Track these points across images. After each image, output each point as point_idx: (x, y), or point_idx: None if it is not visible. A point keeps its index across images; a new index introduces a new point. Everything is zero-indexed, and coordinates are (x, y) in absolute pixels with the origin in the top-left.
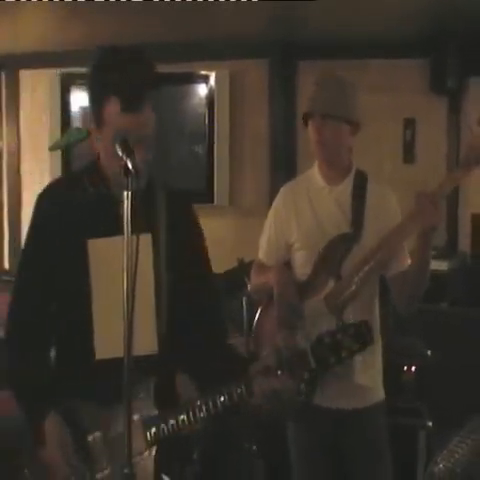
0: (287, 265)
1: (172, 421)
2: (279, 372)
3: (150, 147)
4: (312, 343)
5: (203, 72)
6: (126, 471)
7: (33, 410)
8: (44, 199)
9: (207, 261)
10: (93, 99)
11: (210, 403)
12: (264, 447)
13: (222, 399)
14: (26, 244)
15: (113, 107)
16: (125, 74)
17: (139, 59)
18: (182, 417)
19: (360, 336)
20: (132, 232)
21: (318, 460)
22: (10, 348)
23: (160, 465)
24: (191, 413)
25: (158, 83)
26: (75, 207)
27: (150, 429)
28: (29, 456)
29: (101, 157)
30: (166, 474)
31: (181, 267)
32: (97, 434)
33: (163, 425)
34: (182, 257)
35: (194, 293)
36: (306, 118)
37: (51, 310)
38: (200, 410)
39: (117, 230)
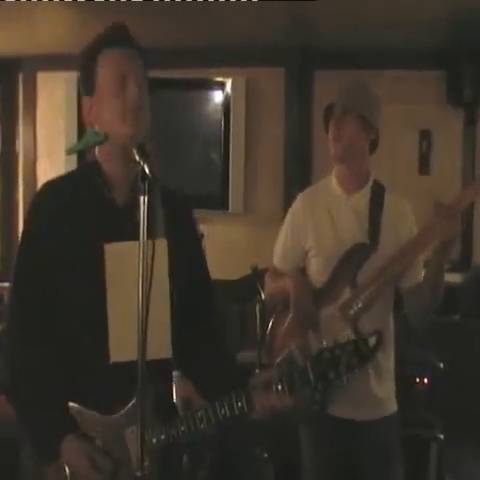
0: (302, 272)
1: (173, 431)
2: (279, 386)
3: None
4: (311, 358)
5: (219, 78)
6: (138, 474)
7: (47, 436)
8: (44, 199)
9: (205, 267)
10: None
11: (211, 415)
12: (275, 454)
13: (223, 412)
14: (24, 248)
15: None
16: None
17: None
18: (183, 428)
19: (358, 352)
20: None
21: (329, 470)
22: (12, 367)
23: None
24: (192, 424)
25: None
26: (77, 208)
27: (151, 439)
28: (29, 456)
29: (102, 158)
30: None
31: (179, 272)
32: (98, 442)
33: (163, 436)
34: (180, 262)
35: (192, 299)
36: (327, 117)
37: (52, 321)
38: (201, 421)
39: (121, 233)
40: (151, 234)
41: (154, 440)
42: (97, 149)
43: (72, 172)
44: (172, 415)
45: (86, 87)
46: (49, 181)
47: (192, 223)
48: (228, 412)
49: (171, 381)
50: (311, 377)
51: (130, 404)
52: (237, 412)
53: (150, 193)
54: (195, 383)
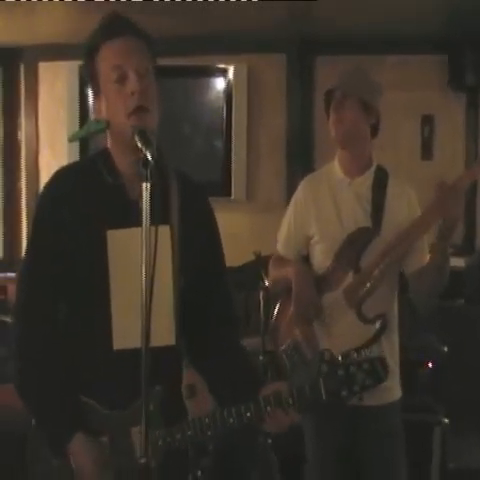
0: (305, 259)
1: (179, 436)
2: (290, 400)
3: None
4: (325, 374)
5: (221, 65)
6: (143, 461)
7: (56, 434)
8: (55, 185)
9: (222, 257)
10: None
11: (219, 423)
12: (279, 441)
13: (231, 420)
14: (36, 235)
15: None
16: None
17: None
18: (189, 433)
19: (374, 372)
20: (150, 223)
21: (332, 457)
22: (21, 357)
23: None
24: (199, 430)
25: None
26: (89, 196)
27: (156, 441)
28: (33, 453)
29: (113, 147)
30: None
31: (195, 262)
32: (104, 439)
33: (169, 438)
34: (196, 252)
35: (207, 291)
36: (328, 102)
37: (60, 307)
38: (208, 428)
39: (131, 221)
40: (155, 220)
41: (160, 442)
42: (108, 139)
43: (83, 160)
44: (180, 417)
45: (93, 88)
46: (60, 169)
47: (208, 212)
48: (236, 421)
49: (180, 380)
50: (323, 394)
51: (137, 402)
52: (245, 421)
53: (164, 180)
54: (201, 375)
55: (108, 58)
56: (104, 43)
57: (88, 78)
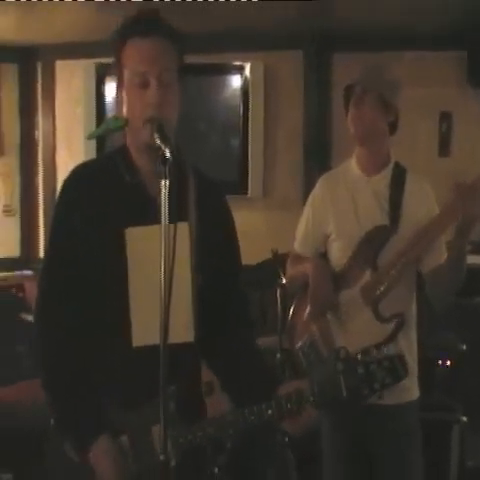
0: (323, 256)
1: (200, 433)
2: (311, 398)
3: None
4: (345, 372)
5: (238, 63)
6: (162, 458)
7: (80, 436)
8: (74, 184)
9: (238, 257)
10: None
11: (240, 421)
12: (296, 439)
13: (252, 418)
14: (54, 238)
15: None
16: None
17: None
18: (210, 430)
19: (394, 370)
20: (169, 221)
21: (348, 455)
22: (44, 363)
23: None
24: (220, 428)
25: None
26: (108, 194)
27: (177, 438)
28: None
29: (131, 145)
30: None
31: (211, 261)
32: (124, 438)
33: (191, 436)
34: (213, 250)
35: (223, 290)
36: (347, 97)
37: (79, 307)
38: (229, 425)
39: (150, 219)
40: (174, 217)
41: (181, 440)
42: (127, 136)
43: (101, 157)
44: (200, 415)
45: (117, 79)
46: (78, 167)
47: (225, 210)
48: (257, 419)
49: (199, 378)
50: (344, 394)
51: (156, 401)
52: (266, 419)
53: (182, 177)
54: (215, 373)
55: (133, 57)
56: (130, 39)
57: (115, 70)
